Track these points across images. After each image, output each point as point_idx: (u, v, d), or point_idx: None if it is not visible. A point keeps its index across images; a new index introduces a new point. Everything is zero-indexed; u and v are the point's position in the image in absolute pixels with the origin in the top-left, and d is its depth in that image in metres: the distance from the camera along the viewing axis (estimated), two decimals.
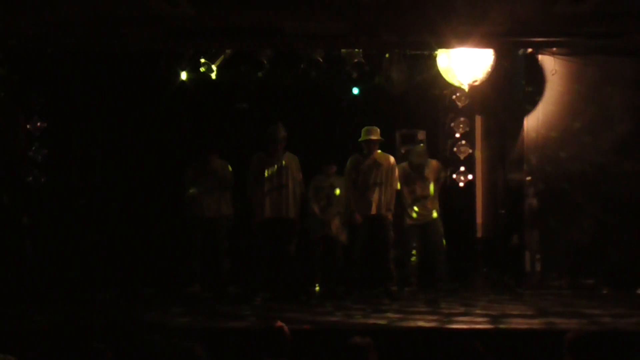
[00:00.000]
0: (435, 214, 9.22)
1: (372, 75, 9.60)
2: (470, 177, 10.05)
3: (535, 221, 9.35)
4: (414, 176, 9.25)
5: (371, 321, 7.24)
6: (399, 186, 9.02)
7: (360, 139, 8.89)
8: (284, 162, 8.77)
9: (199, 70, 9.30)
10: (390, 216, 8.88)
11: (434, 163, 9.39)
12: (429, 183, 9.23)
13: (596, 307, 7.88)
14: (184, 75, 9.42)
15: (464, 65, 8.79)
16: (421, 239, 9.25)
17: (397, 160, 9.22)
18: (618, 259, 9.10)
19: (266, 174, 8.72)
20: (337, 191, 9.00)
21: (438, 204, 9.29)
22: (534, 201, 9.36)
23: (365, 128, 8.90)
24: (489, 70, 8.83)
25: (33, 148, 10.09)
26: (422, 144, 9.66)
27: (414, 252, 9.22)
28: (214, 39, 8.13)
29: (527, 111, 9.38)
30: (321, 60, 9.19)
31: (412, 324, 6.99)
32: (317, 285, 8.98)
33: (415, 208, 9.22)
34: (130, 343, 5.06)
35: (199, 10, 7.14)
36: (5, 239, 9.62)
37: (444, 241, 9.24)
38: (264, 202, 8.70)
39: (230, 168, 9.15)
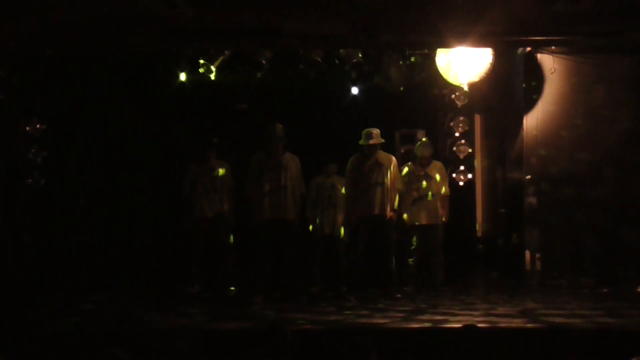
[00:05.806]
0: (442, 218, 9.20)
1: (372, 75, 9.60)
2: (470, 176, 10.05)
3: (535, 221, 9.35)
4: (419, 175, 9.23)
5: (371, 321, 7.23)
6: (400, 185, 8.99)
7: (360, 142, 8.87)
8: (283, 163, 8.76)
9: (198, 71, 9.30)
10: (394, 216, 8.86)
11: (437, 163, 9.38)
12: (434, 182, 9.21)
13: (597, 306, 7.87)
14: (183, 76, 9.43)
15: (463, 64, 8.79)
16: (421, 240, 9.23)
17: (398, 161, 9.20)
18: (618, 258, 9.10)
19: (265, 175, 8.71)
20: (341, 191, 8.98)
21: (447, 208, 9.24)
22: (533, 200, 9.36)
23: (366, 131, 8.84)
24: (488, 69, 8.83)
25: (32, 150, 10.11)
26: (425, 138, 9.60)
27: (413, 247, 9.21)
28: (213, 40, 8.13)
29: (526, 110, 9.38)
30: (320, 60, 9.19)
31: (411, 324, 6.99)
32: (317, 285, 8.98)
33: (419, 207, 9.19)
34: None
35: (197, 11, 7.15)
36: (5, 240, 9.62)
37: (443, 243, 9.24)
38: (263, 203, 8.68)
39: (229, 168, 9.15)
